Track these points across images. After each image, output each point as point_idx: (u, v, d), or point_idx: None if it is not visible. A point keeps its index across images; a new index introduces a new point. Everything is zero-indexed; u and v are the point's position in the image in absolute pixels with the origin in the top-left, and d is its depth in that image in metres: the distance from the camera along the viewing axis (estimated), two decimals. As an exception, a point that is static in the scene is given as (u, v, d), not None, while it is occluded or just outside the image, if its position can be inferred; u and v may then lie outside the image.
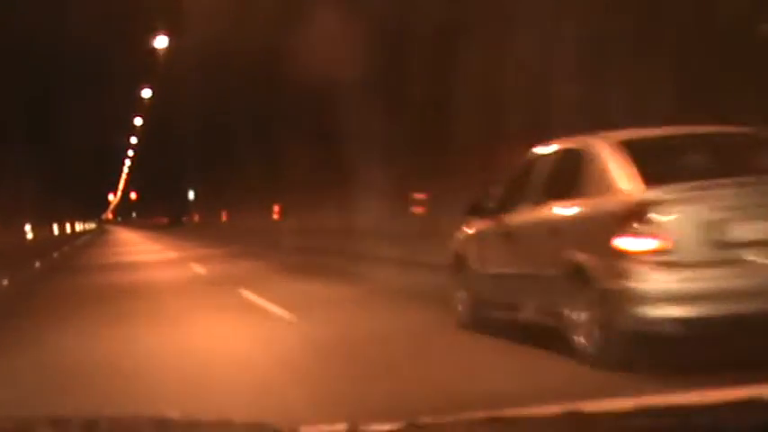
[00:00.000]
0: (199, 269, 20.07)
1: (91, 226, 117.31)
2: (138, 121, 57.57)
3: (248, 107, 45.93)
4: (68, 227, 75.67)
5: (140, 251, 35.07)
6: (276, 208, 42.69)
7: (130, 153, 79.89)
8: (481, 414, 1.79)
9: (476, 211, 8.66)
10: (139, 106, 57.62)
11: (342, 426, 1.79)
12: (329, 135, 33.80)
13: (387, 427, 1.76)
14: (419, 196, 23.41)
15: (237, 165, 53.79)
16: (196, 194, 79.78)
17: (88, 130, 64.22)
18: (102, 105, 61.22)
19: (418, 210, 23.16)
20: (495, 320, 8.08)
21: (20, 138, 45.87)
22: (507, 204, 8.09)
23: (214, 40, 40.10)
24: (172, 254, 29.58)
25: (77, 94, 56.33)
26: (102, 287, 16.94)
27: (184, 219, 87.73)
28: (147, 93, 52.25)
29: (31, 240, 41.51)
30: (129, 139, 70.33)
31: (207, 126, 56.59)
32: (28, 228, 41.28)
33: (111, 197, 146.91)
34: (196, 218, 78.51)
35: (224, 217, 60.91)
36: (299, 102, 37.07)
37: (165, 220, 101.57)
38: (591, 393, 3.54)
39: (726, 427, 1.72)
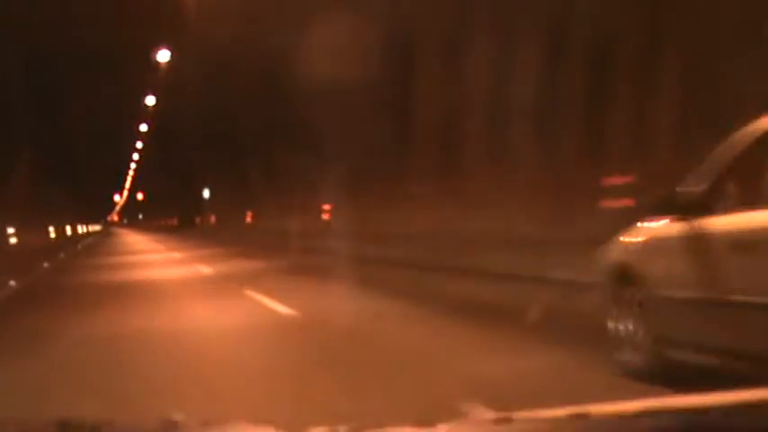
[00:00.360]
0: (277, 306, 11.15)
1: (95, 228, 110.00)
2: (150, 100, 48.87)
3: (281, 89, 37.35)
4: (68, 229, 66.95)
5: (156, 261, 26.38)
6: (326, 207, 33.94)
7: (139, 145, 71.41)
8: (487, 416, 1.73)
9: (668, 207, 5.86)
10: (150, 86, 49.02)
11: (348, 428, 1.69)
12: (402, 109, 25.63)
13: (392, 430, 1.69)
14: (616, 180, 14.81)
15: (266, 159, 45.70)
16: (212, 193, 71.64)
17: (93, 120, 56.67)
18: (109, 91, 53.52)
19: (614, 204, 14.51)
20: (694, 369, 5.35)
21: (15, 131, 40.00)
22: (727, 197, 5.56)
23: (243, 17, 33.54)
24: (204, 268, 20.84)
25: (81, 76, 48.76)
26: (107, 352, 8.11)
27: (198, 220, 79.32)
28: (164, 55, 43.33)
29: (15, 246, 32.88)
30: (138, 128, 61.77)
31: (226, 114, 48.45)
32: (11, 230, 32.60)
33: (116, 198, 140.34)
34: (212, 219, 69.85)
35: (249, 218, 52.15)
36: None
37: (175, 222, 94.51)
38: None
39: (731, 429, 1.69)
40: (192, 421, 1.69)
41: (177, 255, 29.77)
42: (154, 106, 50.22)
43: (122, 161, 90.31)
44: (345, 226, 30.36)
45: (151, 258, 28.74)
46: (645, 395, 2.11)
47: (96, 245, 51.60)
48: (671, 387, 5.24)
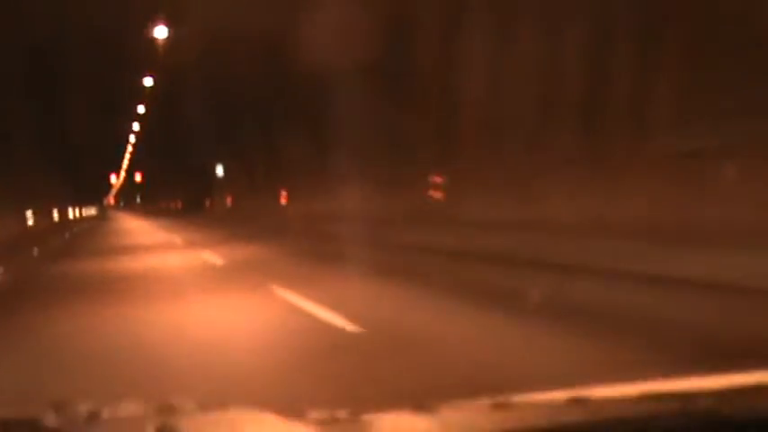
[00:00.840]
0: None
1: (90, 213, 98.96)
2: (159, 32, 37.46)
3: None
4: (56, 214, 55.42)
5: (184, 275, 14.81)
6: (437, 179, 22.35)
7: (141, 109, 59.96)
8: (485, 400, 1.66)
9: None
10: (159, 18, 37.62)
11: (348, 410, 1.65)
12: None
13: (390, 414, 1.64)
14: None
15: (306, 119, 34.54)
16: (226, 171, 60.39)
17: (88, 97, 46.48)
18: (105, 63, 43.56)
19: None
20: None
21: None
22: None
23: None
24: (318, 310, 9.20)
25: (73, 37, 38.86)
26: None
27: (208, 203, 67.90)
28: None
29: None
30: (141, 85, 50.42)
31: (246, 76, 37.37)
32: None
33: (113, 180, 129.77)
34: (228, 201, 58.41)
35: (283, 199, 40.64)
36: None
37: (179, 205, 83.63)
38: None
39: (730, 413, 1.66)
40: (192, 404, 1.61)
41: (210, 255, 18.18)
42: (163, 42, 38.86)
43: (120, 135, 79.08)
44: (490, 212, 18.82)
45: (170, 264, 17.21)
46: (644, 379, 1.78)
47: (87, 235, 40.04)
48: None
